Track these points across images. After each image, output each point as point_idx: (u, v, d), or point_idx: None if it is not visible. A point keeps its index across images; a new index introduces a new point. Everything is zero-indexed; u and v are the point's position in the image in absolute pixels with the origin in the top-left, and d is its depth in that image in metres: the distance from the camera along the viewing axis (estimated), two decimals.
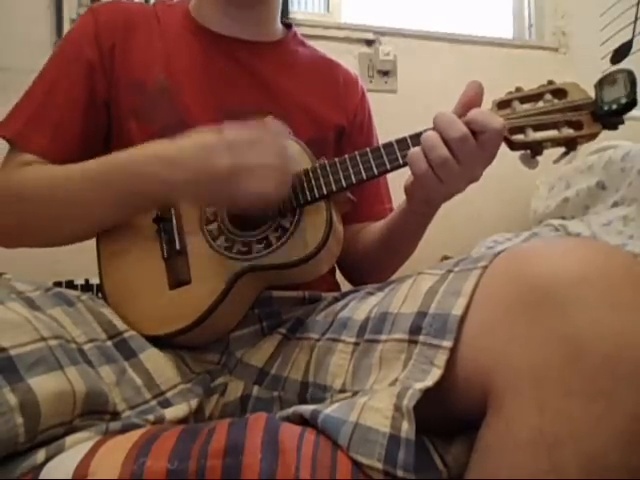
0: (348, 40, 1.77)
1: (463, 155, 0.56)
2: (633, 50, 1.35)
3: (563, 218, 1.51)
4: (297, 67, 0.82)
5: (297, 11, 1.97)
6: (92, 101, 0.72)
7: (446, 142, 0.56)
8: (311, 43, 0.89)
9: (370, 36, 1.79)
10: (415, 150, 0.58)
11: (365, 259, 0.80)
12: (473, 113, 0.57)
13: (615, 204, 1.34)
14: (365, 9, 1.96)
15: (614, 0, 1.55)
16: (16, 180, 0.66)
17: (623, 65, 1.33)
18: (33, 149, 0.68)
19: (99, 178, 0.61)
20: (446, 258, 1.47)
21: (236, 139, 0.56)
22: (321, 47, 0.90)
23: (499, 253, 0.45)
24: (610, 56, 1.36)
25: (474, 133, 0.56)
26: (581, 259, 0.38)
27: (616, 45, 1.38)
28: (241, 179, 0.55)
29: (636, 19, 1.40)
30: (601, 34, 1.56)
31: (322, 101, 0.80)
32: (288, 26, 0.86)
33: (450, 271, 0.48)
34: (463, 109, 0.59)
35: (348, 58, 1.73)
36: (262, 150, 0.56)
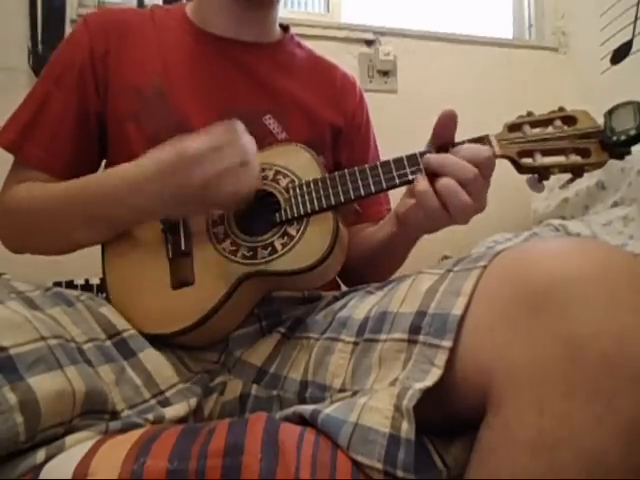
0: (348, 40, 1.77)
1: (476, 192, 0.57)
2: (633, 50, 1.35)
3: (563, 218, 1.51)
4: (295, 68, 0.82)
5: (297, 11, 1.97)
6: (84, 111, 0.73)
7: (463, 185, 0.57)
8: (311, 43, 0.89)
9: (370, 36, 1.80)
10: (426, 189, 0.58)
11: (356, 267, 0.81)
12: (467, 150, 0.58)
13: (615, 204, 1.34)
14: (365, 9, 1.96)
15: (614, 0, 1.55)
16: (8, 197, 0.71)
17: (623, 65, 1.34)
18: (28, 160, 0.72)
19: (73, 205, 0.64)
20: (446, 258, 1.47)
21: (198, 150, 0.56)
22: (321, 47, 0.90)
23: (499, 253, 0.45)
24: (610, 56, 1.37)
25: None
26: (581, 259, 0.38)
27: (616, 45, 1.39)
28: (213, 187, 0.57)
29: (636, 19, 1.40)
30: (601, 34, 1.56)
31: (319, 101, 0.80)
32: (285, 28, 0.86)
33: (450, 271, 0.48)
34: (438, 139, 0.61)
35: (348, 58, 1.73)
36: (224, 154, 0.57)
